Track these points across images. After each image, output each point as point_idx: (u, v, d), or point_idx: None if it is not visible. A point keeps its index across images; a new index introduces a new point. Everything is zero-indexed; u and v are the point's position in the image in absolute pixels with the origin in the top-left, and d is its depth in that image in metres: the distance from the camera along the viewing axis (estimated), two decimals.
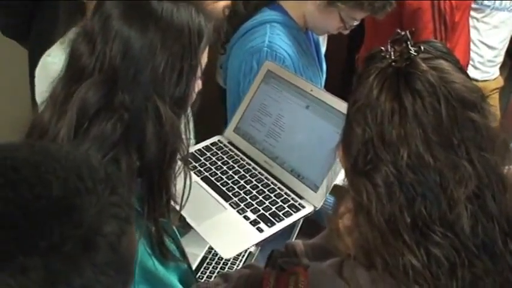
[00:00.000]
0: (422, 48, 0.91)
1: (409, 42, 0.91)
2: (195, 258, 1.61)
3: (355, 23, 1.73)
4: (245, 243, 1.24)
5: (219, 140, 1.51)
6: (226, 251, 1.22)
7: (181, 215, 1.27)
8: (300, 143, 1.39)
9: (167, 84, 1.04)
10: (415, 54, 0.90)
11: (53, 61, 1.51)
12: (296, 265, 1.00)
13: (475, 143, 0.88)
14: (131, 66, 1.02)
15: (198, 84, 1.16)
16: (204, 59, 1.13)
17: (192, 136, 1.79)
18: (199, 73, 1.11)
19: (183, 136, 1.09)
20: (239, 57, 1.67)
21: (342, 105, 1.30)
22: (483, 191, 0.88)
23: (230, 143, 1.50)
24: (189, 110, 1.17)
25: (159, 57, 1.02)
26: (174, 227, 1.19)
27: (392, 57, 0.90)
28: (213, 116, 1.83)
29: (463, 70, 0.94)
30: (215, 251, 1.61)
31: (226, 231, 1.26)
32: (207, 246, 1.61)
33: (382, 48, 0.93)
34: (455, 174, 0.86)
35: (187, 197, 1.12)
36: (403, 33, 0.92)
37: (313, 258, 1.14)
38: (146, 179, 1.05)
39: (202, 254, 1.62)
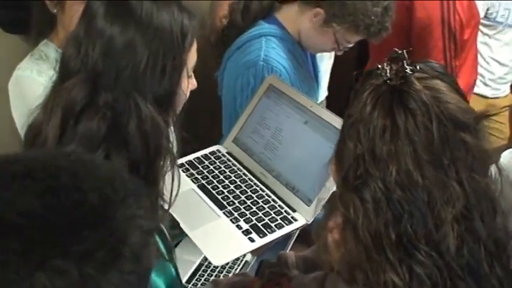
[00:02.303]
0: (418, 67, 0.93)
1: (405, 61, 0.93)
2: (190, 265, 1.63)
3: (349, 45, 1.76)
4: (236, 252, 1.26)
5: (217, 150, 1.54)
6: (217, 258, 1.24)
7: (176, 221, 1.30)
8: (296, 157, 1.41)
9: (148, 82, 1.06)
10: (411, 73, 0.92)
11: (24, 74, 1.54)
12: (281, 276, 1.02)
13: (465, 163, 0.89)
14: (112, 65, 1.05)
15: (191, 83, 1.18)
16: (192, 57, 1.15)
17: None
18: (186, 72, 1.13)
19: (171, 134, 1.11)
20: (235, 71, 1.70)
21: (339, 123, 1.32)
22: (471, 212, 0.89)
23: (228, 153, 1.52)
24: None
25: (139, 56, 1.05)
26: (164, 228, 1.21)
27: (388, 75, 0.92)
28: (214, 125, 1.85)
29: (459, 91, 0.96)
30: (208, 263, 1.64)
31: (218, 239, 1.28)
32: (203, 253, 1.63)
33: (379, 65, 0.95)
34: (443, 193, 0.87)
35: (176, 195, 1.14)
36: (400, 51, 0.94)
37: (304, 271, 1.16)
38: (134, 175, 1.07)
39: (198, 261, 1.64)
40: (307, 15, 1.72)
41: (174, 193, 1.14)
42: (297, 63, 1.77)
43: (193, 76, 1.19)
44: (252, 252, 1.37)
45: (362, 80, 0.96)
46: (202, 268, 1.63)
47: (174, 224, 1.30)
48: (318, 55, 1.97)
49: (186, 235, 1.36)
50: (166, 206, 1.18)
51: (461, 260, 0.88)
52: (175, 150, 1.77)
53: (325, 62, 2.14)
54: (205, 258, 1.60)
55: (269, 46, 1.70)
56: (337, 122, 1.35)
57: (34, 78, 1.48)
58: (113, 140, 1.06)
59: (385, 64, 0.93)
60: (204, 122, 1.89)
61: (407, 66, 0.92)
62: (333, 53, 2.24)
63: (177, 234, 1.33)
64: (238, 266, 1.63)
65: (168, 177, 1.14)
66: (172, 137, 1.15)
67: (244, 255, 1.64)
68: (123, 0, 1.07)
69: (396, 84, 0.91)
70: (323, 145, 1.36)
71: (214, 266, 1.63)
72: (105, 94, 1.05)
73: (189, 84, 1.17)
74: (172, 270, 1.23)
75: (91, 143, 1.04)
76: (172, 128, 1.15)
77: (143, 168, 1.08)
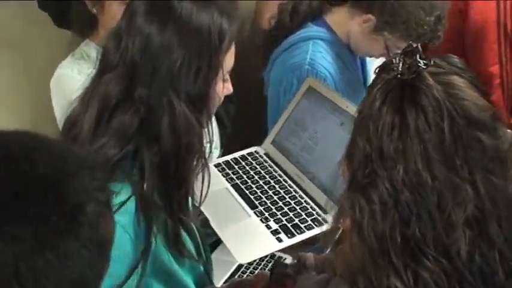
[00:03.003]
0: (432, 62, 0.88)
1: (418, 55, 0.88)
2: (230, 265, 1.64)
3: (399, 51, 1.72)
4: (262, 251, 1.26)
5: (255, 151, 1.54)
6: (242, 256, 1.24)
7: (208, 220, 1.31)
8: (331, 159, 1.38)
9: (183, 81, 1.08)
10: (424, 67, 0.87)
11: (64, 72, 1.59)
12: (287, 277, 1.00)
13: (480, 164, 0.84)
14: (149, 62, 1.07)
15: (227, 88, 1.19)
16: (228, 61, 1.16)
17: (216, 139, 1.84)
18: (222, 75, 1.14)
19: (204, 134, 1.12)
20: (280, 72, 1.70)
21: None
22: (485, 216, 0.83)
23: (266, 154, 1.53)
24: None
25: (176, 55, 1.07)
26: (194, 227, 1.22)
27: (400, 69, 0.88)
28: (260, 125, 1.85)
29: (480, 88, 0.90)
30: (248, 264, 1.64)
31: (246, 238, 1.28)
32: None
33: (393, 59, 0.91)
34: (455, 196, 0.82)
35: (206, 195, 1.15)
36: (415, 45, 0.90)
37: (322, 272, 1.13)
38: (163, 172, 1.09)
39: (238, 262, 1.64)
40: (357, 20, 1.70)
41: (204, 193, 1.15)
42: (344, 67, 1.75)
43: (229, 81, 1.21)
44: (292, 253, 1.36)
45: (376, 75, 0.93)
46: (242, 269, 1.63)
47: (207, 223, 1.32)
48: (369, 59, 1.95)
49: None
50: (193, 206, 1.19)
51: (473, 266, 0.82)
52: (217, 152, 1.81)
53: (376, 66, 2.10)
54: None
55: (316, 50, 1.69)
56: None
57: (74, 76, 1.54)
58: (145, 135, 1.08)
59: (397, 58, 0.89)
60: (251, 122, 1.90)
61: (420, 60, 0.87)
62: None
63: (210, 234, 1.34)
64: None
65: (200, 177, 1.16)
66: (207, 139, 1.16)
67: (285, 259, 1.64)
68: (165, 0, 1.10)
69: (408, 78, 0.86)
70: None
71: (253, 268, 1.63)
72: (140, 89, 1.08)
73: (223, 88, 1.18)
74: (201, 269, 1.24)
75: (123, 137, 1.07)
76: (208, 130, 1.15)
77: (173, 165, 1.10)
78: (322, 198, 1.36)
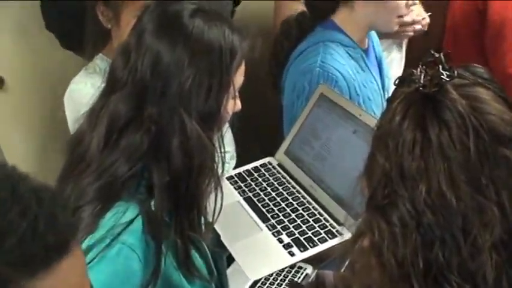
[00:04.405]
0: (456, 73, 0.82)
1: (441, 66, 0.82)
2: (246, 281, 1.61)
3: None
4: (273, 266, 1.23)
5: (268, 162, 1.51)
6: (253, 272, 1.21)
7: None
8: (344, 168, 1.35)
9: (194, 99, 1.05)
10: (447, 79, 0.81)
11: (77, 88, 1.58)
12: None
13: (508, 184, 0.78)
14: (159, 80, 1.05)
15: (237, 105, 1.16)
16: (239, 78, 1.14)
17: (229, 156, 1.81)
18: (232, 92, 1.11)
19: (216, 152, 1.10)
20: (293, 78, 1.66)
21: None
22: None
23: (279, 165, 1.49)
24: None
25: (187, 73, 1.05)
26: (207, 248, 1.18)
27: (422, 82, 0.82)
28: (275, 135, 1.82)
29: (507, 100, 0.84)
30: (267, 275, 1.60)
31: (256, 253, 1.25)
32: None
33: (414, 71, 0.85)
34: (481, 218, 0.76)
35: (219, 213, 1.12)
36: (437, 54, 0.83)
37: None
38: (174, 192, 1.07)
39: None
40: (359, 5, 1.64)
41: (217, 212, 1.13)
42: (358, 67, 1.69)
43: (237, 97, 1.18)
44: (313, 263, 1.32)
45: (395, 88, 0.87)
46: (261, 281, 1.59)
47: (219, 242, 1.29)
48: (387, 61, 1.90)
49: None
50: (206, 225, 1.16)
51: None
52: (233, 162, 1.78)
53: (395, 69, 2.05)
54: None
55: (327, 52, 1.64)
56: None
57: (88, 91, 1.52)
58: (155, 154, 1.06)
59: (419, 69, 0.83)
60: (266, 132, 1.86)
61: (443, 72, 0.81)
62: (403, 61, 2.15)
63: (221, 252, 1.30)
64: (298, 279, 1.57)
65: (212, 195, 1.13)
66: (219, 156, 1.14)
67: (305, 268, 1.60)
68: (175, 17, 1.08)
69: (430, 92, 0.80)
70: None
71: (270, 283, 1.59)
72: (150, 108, 1.06)
73: (234, 105, 1.16)
74: None
75: (133, 156, 1.05)
76: (220, 147, 1.13)
77: (184, 185, 1.08)
78: (336, 208, 1.32)
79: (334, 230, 1.28)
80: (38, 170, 2.13)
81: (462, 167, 0.77)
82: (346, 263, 1.07)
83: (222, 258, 1.33)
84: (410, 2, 1.67)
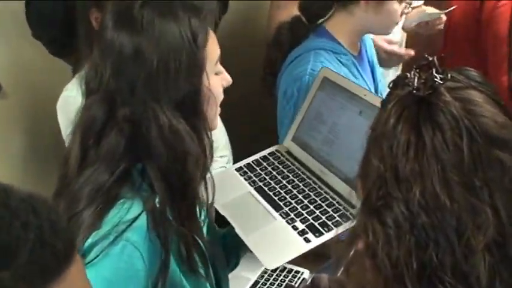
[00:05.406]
0: (449, 76, 0.82)
1: (434, 69, 0.82)
2: (247, 281, 1.62)
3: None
4: (290, 254, 1.22)
5: (276, 150, 1.50)
6: (270, 262, 1.20)
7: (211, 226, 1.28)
8: (353, 150, 1.32)
9: (164, 87, 1.04)
10: (441, 82, 0.81)
11: (69, 95, 1.58)
12: None
13: (501, 186, 0.78)
14: (125, 78, 1.05)
15: (225, 79, 1.15)
16: (213, 52, 1.12)
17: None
18: (212, 68, 1.10)
19: (201, 136, 1.09)
20: (285, 84, 1.69)
21: None
22: (506, 240, 0.77)
23: (288, 152, 1.49)
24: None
25: (148, 62, 1.04)
26: (202, 243, 1.17)
27: (415, 85, 0.82)
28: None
29: (499, 103, 0.84)
30: (268, 276, 1.61)
31: (272, 242, 1.24)
32: (260, 270, 1.62)
33: (407, 74, 0.85)
34: (474, 219, 0.76)
35: (213, 199, 1.13)
36: (430, 58, 0.83)
37: None
38: (168, 184, 1.06)
39: (254, 279, 1.63)
40: (359, 10, 1.64)
41: (210, 198, 1.12)
42: (350, 74, 1.69)
43: (223, 71, 1.16)
44: (309, 267, 1.32)
45: (389, 91, 0.87)
46: (258, 286, 1.61)
47: (210, 230, 1.29)
48: (382, 70, 1.90)
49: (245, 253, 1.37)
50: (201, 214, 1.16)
51: None
52: (227, 154, 1.78)
53: (392, 76, 2.05)
54: (262, 276, 1.59)
55: (317, 60, 1.65)
56: None
57: (80, 98, 1.52)
58: (140, 152, 1.06)
59: (412, 72, 0.83)
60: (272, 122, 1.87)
61: (437, 75, 0.81)
62: (400, 66, 2.15)
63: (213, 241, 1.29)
64: (295, 283, 1.59)
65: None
66: (212, 141, 1.13)
67: (302, 273, 1.61)
68: (127, 11, 1.08)
69: (423, 94, 0.81)
70: None
71: (270, 284, 1.60)
72: (123, 108, 1.05)
73: (219, 81, 1.14)
74: (208, 286, 1.19)
75: (112, 160, 1.05)
76: (206, 132, 1.11)
77: (175, 175, 1.07)
78: (347, 191, 1.31)
79: (348, 213, 1.27)
80: (35, 176, 2.15)
81: (456, 169, 0.77)
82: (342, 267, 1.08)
83: (221, 257, 1.33)
84: (405, 10, 1.68)
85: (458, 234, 0.77)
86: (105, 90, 1.06)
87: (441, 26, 2.12)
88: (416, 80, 0.82)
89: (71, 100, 1.55)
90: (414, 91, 0.82)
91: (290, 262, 1.38)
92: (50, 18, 1.73)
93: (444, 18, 2.10)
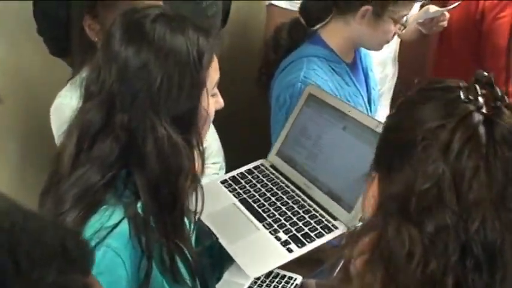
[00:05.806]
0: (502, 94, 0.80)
1: (496, 87, 0.78)
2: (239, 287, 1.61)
3: (405, 20, 1.69)
4: (272, 263, 1.23)
5: (261, 164, 1.52)
6: (253, 270, 1.22)
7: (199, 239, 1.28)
8: (336, 164, 1.37)
9: (165, 102, 1.06)
10: (500, 101, 0.78)
11: (62, 102, 1.58)
12: None
13: None
14: (128, 87, 1.06)
15: (218, 102, 1.18)
16: (213, 75, 1.14)
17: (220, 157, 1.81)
18: (207, 90, 1.12)
19: (195, 152, 1.10)
20: (277, 90, 1.70)
21: (377, 125, 1.28)
22: None
23: (272, 166, 1.51)
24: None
25: (154, 76, 1.05)
26: (188, 254, 1.17)
27: (480, 102, 0.78)
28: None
29: None
30: (261, 282, 1.61)
31: (255, 251, 1.26)
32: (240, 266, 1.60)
33: (461, 84, 0.81)
34: None
35: (200, 215, 1.13)
36: (485, 73, 0.80)
37: None
38: (155, 195, 1.07)
39: (247, 285, 1.61)
40: (354, 21, 1.67)
41: (198, 211, 1.13)
42: (342, 82, 1.71)
43: (218, 94, 1.19)
44: (303, 273, 1.33)
45: (426, 91, 0.84)
46: None
47: (197, 243, 1.29)
48: (381, 76, 1.93)
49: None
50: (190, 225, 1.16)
51: None
52: (220, 160, 1.78)
53: (388, 84, 2.09)
54: (255, 282, 1.58)
55: (310, 67, 1.67)
56: (375, 124, 1.30)
57: (73, 105, 1.53)
58: (132, 160, 1.07)
59: (474, 87, 0.79)
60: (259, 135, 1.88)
61: (499, 91, 0.78)
62: (396, 72, 2.18)
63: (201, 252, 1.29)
64: None
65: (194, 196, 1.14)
66: (200, 157, 1.14)
67: (295, 279, 1.61)
68: (138, 24, 1.10)
69: (489, 114, 0.77)
70: (362, 149, 1.31)
71: None
72: (121, 115, 1.06)
73: (213, 103, 1.16)
74: None
75: (103, 164, 1.06)
76: (199, 148, 1.13)
77: (164, 188, 1.08)
78: (330, 204, 1.34)
79: (330, 225, 1.29)
80: (30, 181, 2.13)
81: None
82: (337, 270, 1.08)
83: (207, 265, 1.33)
84: (399, 31, 1.71)
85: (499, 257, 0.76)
86: (106, 95, 1.07)
87: (445, 23, 2.12)
88: (481, 98, 0.79)
89: (64, 107, 1.56)
90: (478, 111, 0.78)
91: (283, 268, 1.39)
92: (53, 18, 1.74)
93: (447, 15, 2.11)
